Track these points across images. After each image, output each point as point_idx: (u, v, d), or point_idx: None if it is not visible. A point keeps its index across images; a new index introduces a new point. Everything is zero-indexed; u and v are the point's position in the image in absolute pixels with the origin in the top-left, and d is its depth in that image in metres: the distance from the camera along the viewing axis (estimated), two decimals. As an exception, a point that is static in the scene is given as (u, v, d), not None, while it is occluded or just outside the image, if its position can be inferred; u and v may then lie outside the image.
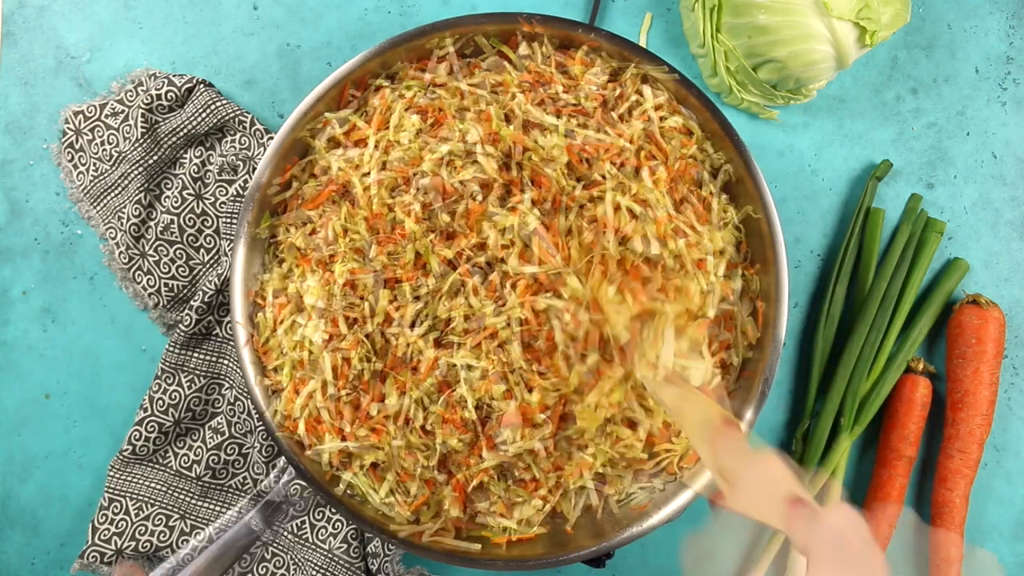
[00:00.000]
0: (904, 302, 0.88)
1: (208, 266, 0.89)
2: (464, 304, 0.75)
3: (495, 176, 0.77)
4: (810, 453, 0.87)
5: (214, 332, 0.89)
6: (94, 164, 0.90)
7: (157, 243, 0.88)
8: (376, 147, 0.79)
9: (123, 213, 0.89)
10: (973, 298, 0.88)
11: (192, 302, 0.87)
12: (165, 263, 0.88)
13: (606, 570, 0.89)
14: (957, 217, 0.92)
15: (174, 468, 0.88)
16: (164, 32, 0.92)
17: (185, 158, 0.90)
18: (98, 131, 0.90)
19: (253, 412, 0.87)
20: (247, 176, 0.89)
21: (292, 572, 0.87)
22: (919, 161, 0.92)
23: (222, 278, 0.87)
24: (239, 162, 0.88)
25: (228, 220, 0.88)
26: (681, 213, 0.79)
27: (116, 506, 0.87)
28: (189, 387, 0.88)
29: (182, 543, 0.87)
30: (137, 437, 0.87)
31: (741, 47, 0.86)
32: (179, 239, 0.88)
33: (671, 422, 0.77)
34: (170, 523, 0.87)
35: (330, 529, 0.86)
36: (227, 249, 0.88)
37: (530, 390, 0.75)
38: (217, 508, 0.88)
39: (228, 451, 0.88)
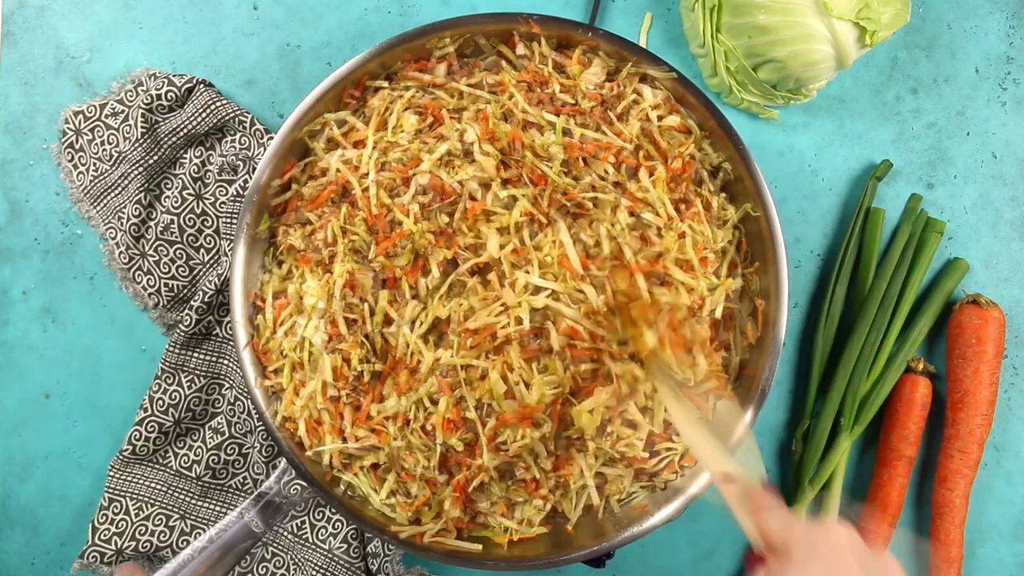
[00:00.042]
0: (904, 302, 0.88)
1: (208, 266, 0.89)
2: (464, 304, 0.75)
3: (494, 175, 0.77)
4: (810, 453, 0.87)
5: (214, 332, 0.89)
6: (94, 164, 0.90)
7: (157, 243, 0.88)
8: (374, 148, 0.79)
9: (123, 213, 0.89)
10: (973, 298, 0.88)
11: (192, 302, 0.87)
12: (165, 263, 0.88)
13: (606, 570, 0.89)
14: (957, 217, 0.92)
15: (174, 468, 0.88)
16: (164, 32, 0.92)
17: (185, 158, 0.90)
18: (98, 131, 0.90)
19: (253, 412, 0.87)
20: (247, 176, 0.89)
21: (292, 572, 0.87)
22: (919, 161, 0.92)
23: (222, 278, 0.87)
24: (239, 162, 0.88)
25: (228, 220, 0.88)
26: (681, 212, 0.79)
27: (116, 506, 0.87)
28: (189, 387, 0.88)
29: (182, 543, 0.87)
30: (137, 437, 0.87)
31: (741, 47, 0.86)
32: (179, 239, 0.88)
33: (670, 420, 0.78)
34: (170, 523, 0.87)
35: (330, 529, 0.86)
36: (227, 249, 0.88)
37: (528, 388, 0.75)
38: (217, 508, 0.88)
39: (228, 451, 0.88)
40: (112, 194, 0.89)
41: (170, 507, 0.87)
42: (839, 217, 0.92)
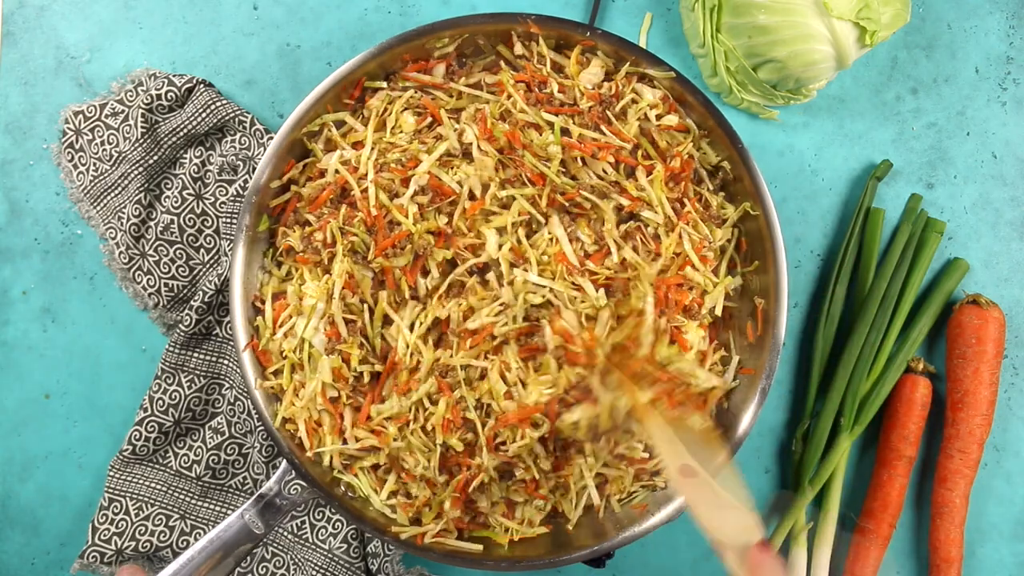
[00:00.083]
0: (904, 302, 0.88)
1: (208, 266, 0.89)
2: (463, 304, 0.75)
3: (492, 175, 0.77)
4: (810, 453, 0.87)
5: (214, 332, 0.89)
6: (94, 164, 0.90)
7: (157, 243, 0.88)
8: (373, 148, 0.79)
9: (123, 213, 0.89)
10: (973, 298, 0.88)
11: (192, 302, 0.87)
12: (165, 263, 0.88)
13: (606, 570, 0.89)
14: (957, 217, 0.92)
15: (174, 468, 0.88)
16: (164, 32, 0.92)
17: (185, 158, 0.90)
18: (98, 131, 0.90)
19: (253, 413, 0.87)
20: (247, 176, 0.89)
21: (292, 572, 0.87)
22: (919, 161, 0.92)
23: (222, 278, 0.87)
24: (239, 162, 0.88)
25: (228, 220, 0.88)
26: (679, 211, 0.79)
27: (116, 506, 0.87)
28: (189, 387, 0.88)
29: (182, 543, 0.87)
30: (137, 437, 0.87)
31: (741, 47, 0.86)
32: (179, 239, 0.88)
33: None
34: (170, 523, 0.87)
35: (330, 529, 0.86)
36: (227, 249, 0.88)
37: (525, 387, 0.74)
38: (217, 508, 0.88)
39: (228, 451, 0.88)
40: (112, 194, 0.89)
41: (170, 507, 0.87)
42: (839, 217, 0.92)
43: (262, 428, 0.86)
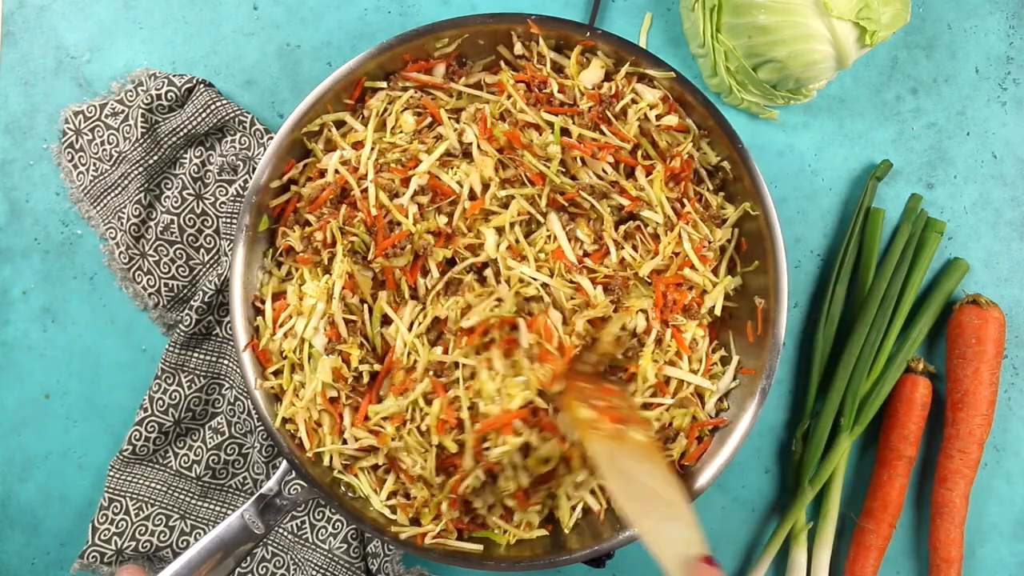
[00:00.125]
0: (904, 302, 0.88)
1: (208, 266, 0.89)
2: (460, 302, 0.75)
3: (492, 175, 0.77)
4: (810, 453, 0.87)
5: (214, 332, 0.89)
6: (94, 164, 0.90)
7: (157, 243, 0.88)
8: (373, 148, 0.79)
9: (123, 213, 0.89)
10: (973, 298, 0.87)
11: (192, 302, 0.87)
12: (165, 263, 0.88)
13: (606, 570, 0.89)
14: (957, 217, 0.92)
15: (174, 468, 0.88)
16: (164, 32, 0.92)
17: (185, 158, 0.90)
18: (98, 131, 0.90)
19: (253, 412, 0.87)
20: (247, 176, 0.89)
21: (292, 572, 0.87)
22: (919, 161, 0.92)
23: (222, 278, 0.87)
24: (239, 162, 0.88)
25: (228, 220, 0.88)
26: (679, 211, 0.79)
27: (116, 506, 0.87)
28: (189, 387, 0.88)
29: (182, 543, 0.87)
30: (137, 437, 0.87)
31: (741, 47, 0.86)
32: (179, 239, 0.88)
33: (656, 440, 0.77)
34: (170, 523, 0.87)
35: (330, 529, 0.86)
36: (227, 249, 0.88)
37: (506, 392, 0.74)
38: (217, 508, 0.88)
39: (228, 451, 0.88)
40: (112, 194, 0.89)
41: (170, 507, 0.87)
42: (839, 217, 0.92)
43: (262, 428, 0.86)
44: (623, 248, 0.78)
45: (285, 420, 0.78)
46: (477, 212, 0.77)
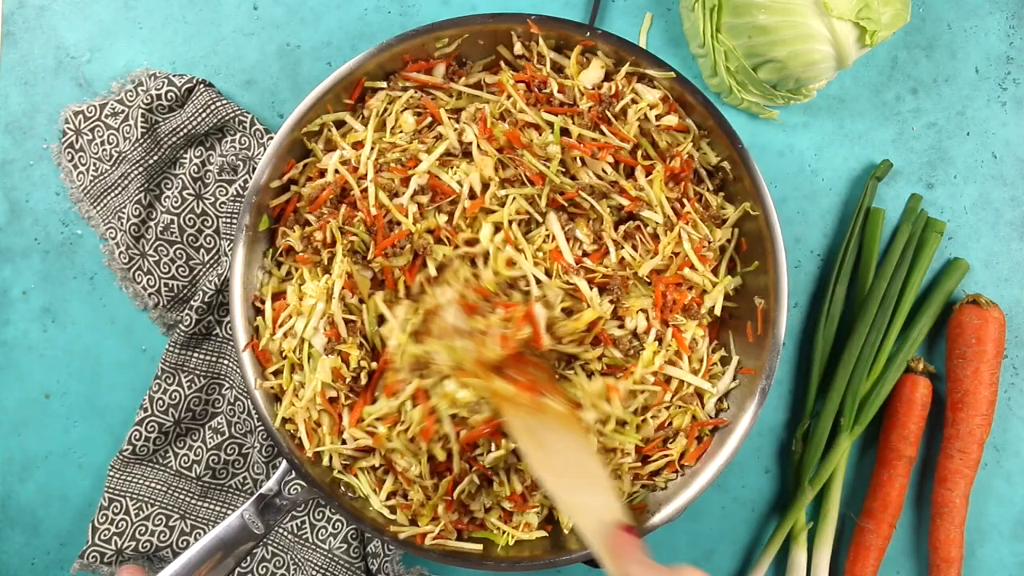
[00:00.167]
0: (904, 302, 0.88)
1: (208, 266, 0.89)
2: (446, 288, 0.74)
3: (492, 175, 0.77)
4: (810, 453, 0.87)
5: (214, 332, 0.89)
6: (94, 164, 0.90)
7: (157, 243, 0.88)
8: (373, 148, 0.79)
9: (123, 213, 0.89)
10: (973, 298, 0.88)
11: (192, 302, 0.87)
12: (165, 263, 0.88)
13: (606, 570, 0.89)
14: (957, 217, 0.92)
15: (174, 468, 0.88)
16: (164, 32, 0.92)
17: (185, 158, 0.90)
18: (98, 131, 0.90)
19: (253, 412, 0.87)
20: (247, 176, 0.89)
21: (292, 572, 0.87)
22: (919, 161, 0.92)
23: (222, 278, 0.87)
24: (239, 162, 0.88)
25: (228, 220, 0.88)
26: (679, 211, 0.79)
27: (116, 506, 0.87)
28: (189, 387, 0.88)
29: (182, 543, 0.87)
30: (137, 437, 0.87)
31: (741, 47, 0.86)
32: (179, 239, 0.88)
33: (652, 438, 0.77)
34: (170, 523, 0.87)
35: (330, 529, 0.86)
36: (227, 249, 0.88)
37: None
38: (217, 508, 0.88)
39: (228, 451, 0.88)
40: (112, 194, 0.89)
41: (170, 507, 0.87)
42: (839, 217, 0.92)
43: (262, 428, 0.86)
44: (623, 248, 0.78)
45: (285, 420, 0.78)
46: (477, 211, 0.77)
